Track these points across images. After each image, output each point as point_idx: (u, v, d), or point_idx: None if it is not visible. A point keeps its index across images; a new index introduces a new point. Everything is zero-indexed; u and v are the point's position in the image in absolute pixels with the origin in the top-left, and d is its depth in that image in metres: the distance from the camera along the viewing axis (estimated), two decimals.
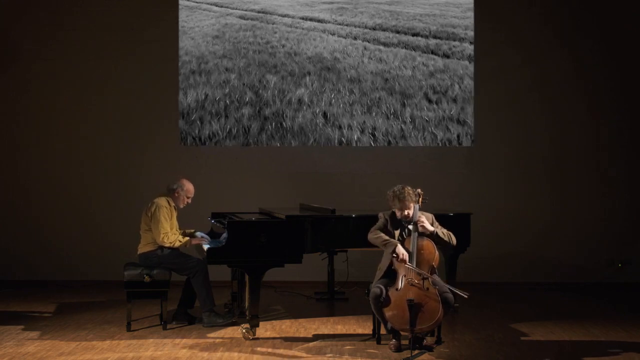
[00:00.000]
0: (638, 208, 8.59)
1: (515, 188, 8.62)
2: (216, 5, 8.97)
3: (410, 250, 5.45)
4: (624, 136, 8.64)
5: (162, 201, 6.36)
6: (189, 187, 6.51)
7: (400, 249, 5.45)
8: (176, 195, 6.47)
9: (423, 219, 5.55)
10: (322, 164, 8.61)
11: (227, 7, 8.93)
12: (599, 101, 8.64)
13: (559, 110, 8.66)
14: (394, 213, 5.67)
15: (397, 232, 5.62)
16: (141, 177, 8.51)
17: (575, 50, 8.65)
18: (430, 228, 5.56)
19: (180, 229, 6.57)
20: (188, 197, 6.52)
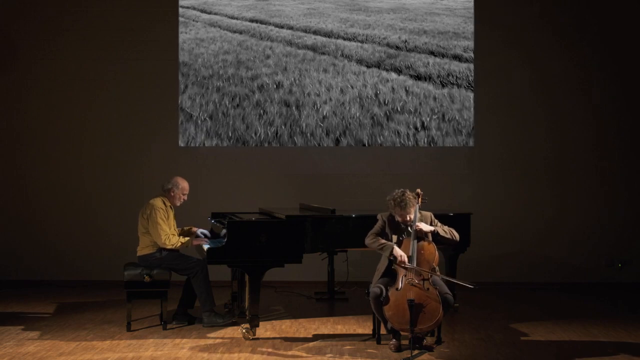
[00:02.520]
0: (637, 208, 8.59)
1: (515, 188, 8.62)
2: (204, 12, 7.86)
3: (410, 252, 5.44)
4: (624, 136, 8.63)
5: (157, 202, 6.34)
6: (183, 185, 6.48)
7: (397, 251, 5.44)
8: (172, 194, 6.45)
9: (421, 225, 5.53)
10: (322, 164, 8.60)
11: (216, 14, 7.67)
12: (599, 101, 8.64)
13: (559, 110, 8.66)
14: (392, 215, 5.66)
15: (394, 236, 5.60)
16: (141, 177, 8.50)
17: (575, 50, 8.64)
18: (428, 229, 5.55)
19: (179, 227, 6.57)
20: (184, 195, 6.49)
